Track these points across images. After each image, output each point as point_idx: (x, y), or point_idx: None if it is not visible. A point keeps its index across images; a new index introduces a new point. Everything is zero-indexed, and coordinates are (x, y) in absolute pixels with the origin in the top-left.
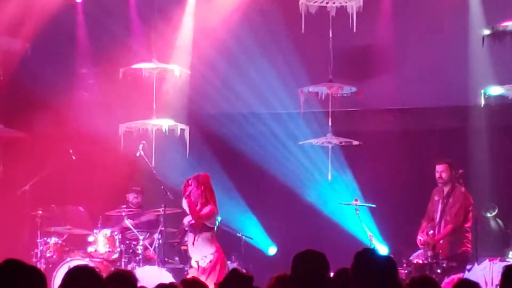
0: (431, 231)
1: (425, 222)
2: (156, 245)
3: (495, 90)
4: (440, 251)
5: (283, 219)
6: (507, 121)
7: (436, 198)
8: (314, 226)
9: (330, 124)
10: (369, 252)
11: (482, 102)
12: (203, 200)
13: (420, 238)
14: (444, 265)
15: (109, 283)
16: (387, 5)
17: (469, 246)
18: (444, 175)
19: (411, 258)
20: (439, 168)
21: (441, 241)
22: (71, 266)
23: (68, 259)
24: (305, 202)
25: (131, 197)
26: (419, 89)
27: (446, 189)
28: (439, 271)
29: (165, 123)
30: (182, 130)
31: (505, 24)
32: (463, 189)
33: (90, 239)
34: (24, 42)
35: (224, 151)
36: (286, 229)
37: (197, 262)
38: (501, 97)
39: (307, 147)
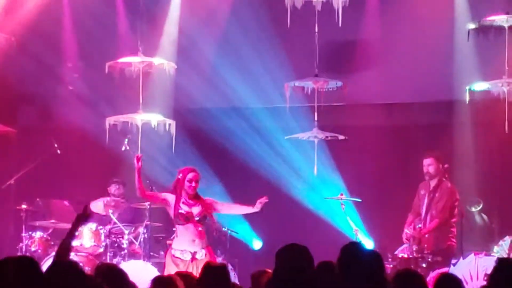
0: (419, 225)
1: (411, 216)
2: (142, 239)
3: (481, 86)
4: (426, 245)
5: (268, 213)
6: (492, 116)
7: (422, 192)
8: (300, 220)
9: (316, 118)
10: (355, 246)
11: (467, 98)
12: None
13: (407, 231)
14: (429, 259)
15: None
16: None
17: (454, 240)
18: (431, 168)
19: (396, 252)
20: (426, 162)
21: (426, 236)
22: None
23: (53, 253)
24: (290, 197)
25: (113, 189)
26: (405, 84)
27: (432, 183)
28: (424, 265)
29: (154, 118)
30: (168, 124)
31: (490, 18)
32: (449, 184)
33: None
34: (9, 35)
35: (209, 146)
36: (271, 223)
37: (193, 253)
38: (486, 92)
39: (293, 141)
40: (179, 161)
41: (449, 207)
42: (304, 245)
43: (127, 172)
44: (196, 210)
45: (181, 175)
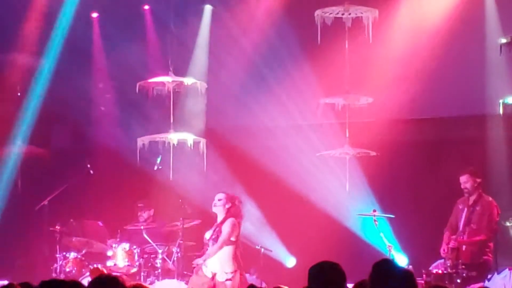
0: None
1: (448, 232)
2: (175, 258)
3: None
4: (460, 260)
5: (301, 231)
6: None
7: (460, 207)
8: (332, 237)
9: (347, 135)
10: (387, 263)
11: (501, 111)
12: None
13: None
14: (464, 274)
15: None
16: (402, 15)
17: (491, 255)
18: (468, 185)
19: (430, 268)
20: (462, 179)
21: (463, 248)
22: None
23: (87, 273)
24: (323, 213)
25: (140, 218)
26: (436, 99)
27: (472, 198)
28: (458, 281)
29: (188, 136)
30: (200, 143)
31: None
32: (490, 198)
33: (109, 253)
34: (41, 58)
35: (241, 164)
36: (304, 241)
37: (214, 273)
38: None
39: (324, 158)
40: (211, 179)
41: (494, 223)
42: (336, 262)
43: (159, 192)
44: (208, 234)
45: (238, 200)
